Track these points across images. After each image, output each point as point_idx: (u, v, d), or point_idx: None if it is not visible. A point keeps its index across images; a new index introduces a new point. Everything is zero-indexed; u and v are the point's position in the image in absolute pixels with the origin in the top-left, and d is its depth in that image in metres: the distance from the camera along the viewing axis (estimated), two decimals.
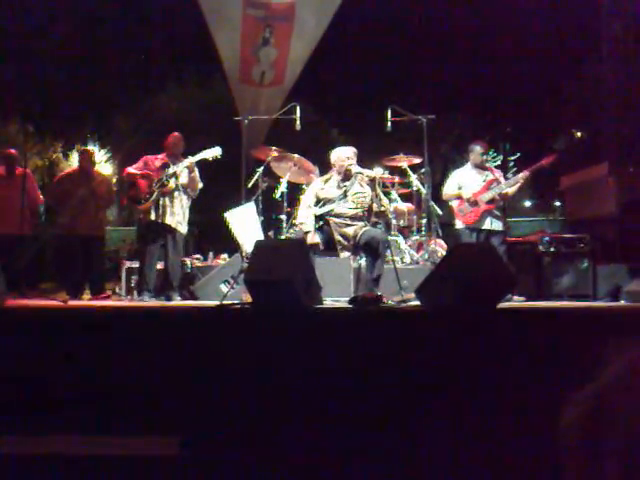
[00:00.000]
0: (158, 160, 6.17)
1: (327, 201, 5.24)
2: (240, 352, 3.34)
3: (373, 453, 2.89)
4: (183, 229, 6.17)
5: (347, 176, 5.30)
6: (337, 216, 5.19)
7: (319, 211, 5.19)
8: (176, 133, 6.35)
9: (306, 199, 5.37)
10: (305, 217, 5.22)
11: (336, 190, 5.29)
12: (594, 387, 0.59)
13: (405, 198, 7.40)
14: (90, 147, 13.86)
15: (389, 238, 6.18)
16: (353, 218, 5.20)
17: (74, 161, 13.40)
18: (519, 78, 13.13)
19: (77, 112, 13.21)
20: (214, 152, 6.00)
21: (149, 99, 14.78)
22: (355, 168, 5.29)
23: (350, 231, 5.13)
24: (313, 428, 3.09)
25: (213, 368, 3.29)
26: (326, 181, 5.38)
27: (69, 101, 13.03)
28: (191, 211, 6.33)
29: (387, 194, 6.98)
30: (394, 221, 7.05)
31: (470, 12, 12.44)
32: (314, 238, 5.09)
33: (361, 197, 5.27)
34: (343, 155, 5.33)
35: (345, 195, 5.25)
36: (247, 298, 4.58)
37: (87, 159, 7.04)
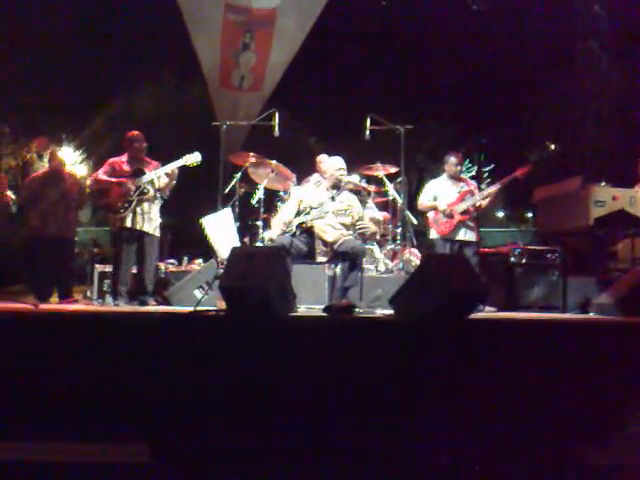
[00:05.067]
0: (125, 164, 6.06)
1: (314, 207, 5.25)
2: (213, 359, 3.33)
3: (346, 461, 2.91)
4: (158, 233, 6.13)
5: (337, 185, 5.34)
6: (321, 221, 5.21)
7: (303, 219, 5.20)
8: (136, 132, 6.19)
9: (287, 210, 5.35)
10: (275, 232, 5.22)
11: (325, 196, 5.32)
12: None
13: (381, 207, 7.44)
14: (65, 148, 13.68)
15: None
16: (336, 225, 5.22)
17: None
18: (495, 90, 13.29)
19: (52, 112, 13.05)
20: (194, 158, 5.92)
21: (126, 100, 14.66)
22: (346, 178, 5.40)
23: (330, 238, 5.15)
24: (286, 436, 3.09)
25: (186, 375, 3.28)
26: (317, 186, 5.43)
27: (43, 101, 12.87)
28: (166, 215, 6.28)
29: (363, 202, 7.02)
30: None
31: (447, 25, 12.58)
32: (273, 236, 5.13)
33: (347, 206, 5.31)
34: (337, 165, 5.37)
35: (333, 201, 5.28)
36: (221, 305, 4.56)
37: (56, 160, 6.97)
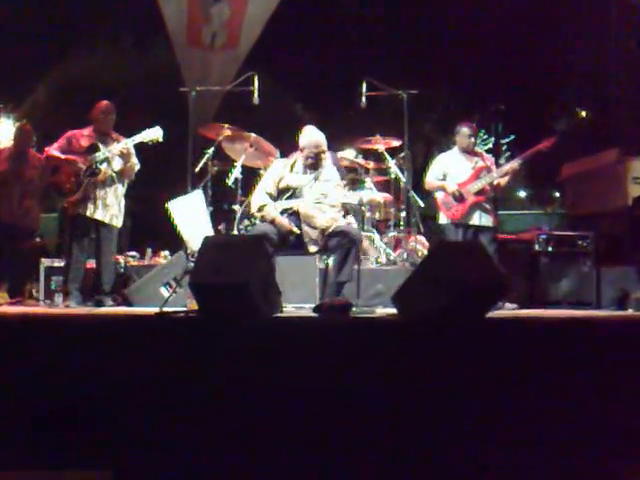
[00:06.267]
0: (84, 138, 6.09)
1: (293, 190, 5.23)
2: (183, 370, 3.32)
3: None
4: (118, 222, 6.13)
5: (315, 165, 5.30)
6: (307, 204, 5.18)
7: (284, 204, 5.18)
8: (105, 102, 6.27)
9: (263, 184, 5.37)
10: (263, 201, 5.21)
11: (303, 177, 5.29)
12: None
13: (381, 187, 7.44)
14: (4, 120, 13.59)
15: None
16: (325, 208, 5.19)
17: None
18: (514, 47, 13.24)
19: None
20: (154, 134, 5.93)
21: (76, 64, 14.55)
22: (329, 155, 5.40)
23: (320, 223, 5.14)
24: (266, 456, 3.09)
25: (151, 388, 3.26)
26: (291, 167, 5.38)
27: None
28: (125, 199, 6.26)
29: (361, 182, 7.01)
30: (368, 214, 7.08)
31: None
32: (286, 223, 5.09)
33: (332, 183, 5.29)
34: (313, 141, 5.31)
35: (315, 181, 5.25)
36: (192, 305, 4.56)
37: (24, 137, 6.94)
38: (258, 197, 5.33)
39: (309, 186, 5.24)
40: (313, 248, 5.20)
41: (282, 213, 5.15)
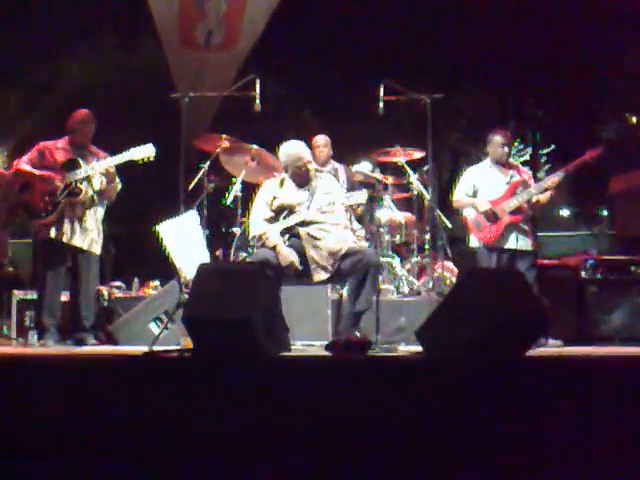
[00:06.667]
0: (59, 152, 6.12)
1: (289, 209, 5.25)
2: (177, 416, 3.33)
3: None
4: (97, 249, 6.15)
5: (304, 181, 5.35)
6: (306, 224, 5.20)
7: (283, 223, 5.19)
8: (84, 110, 6.31)
9: (258, 212, 5.38)
10: (264, 227, 5.22)
11: (298, 193, 5.31)
12: None
13: (402, 205, 7.45)
14: None
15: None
16: (329, 227, 5.21)
17: None
18: (554, 43, 13.28)
19: None
20: (145, 152, 5.94)
21: (52, 65, 14.69)
22: (327, 166, 5.41)
23: (326, 245, 5.14)
24: None
25: (140, 438, 3.27)
26: (281, 183, 5.40)
27: None
28: (107, 221, 6.30)
29: (379, 200, 7.03)
30: (387, 236, 7.09)
31: None
32: (287, 254, 5.07)
33: (332, 195, 5.32)
34: (298, 154, 5.35)
35: (312, 197, 5.28)
36: (187, 343, 4.57)
37: None
38: (256, 227, 5.32)
39: (307, 203, 5.27)
40: (322, 275, 5.15)
41: (282, 234, 5.16)
